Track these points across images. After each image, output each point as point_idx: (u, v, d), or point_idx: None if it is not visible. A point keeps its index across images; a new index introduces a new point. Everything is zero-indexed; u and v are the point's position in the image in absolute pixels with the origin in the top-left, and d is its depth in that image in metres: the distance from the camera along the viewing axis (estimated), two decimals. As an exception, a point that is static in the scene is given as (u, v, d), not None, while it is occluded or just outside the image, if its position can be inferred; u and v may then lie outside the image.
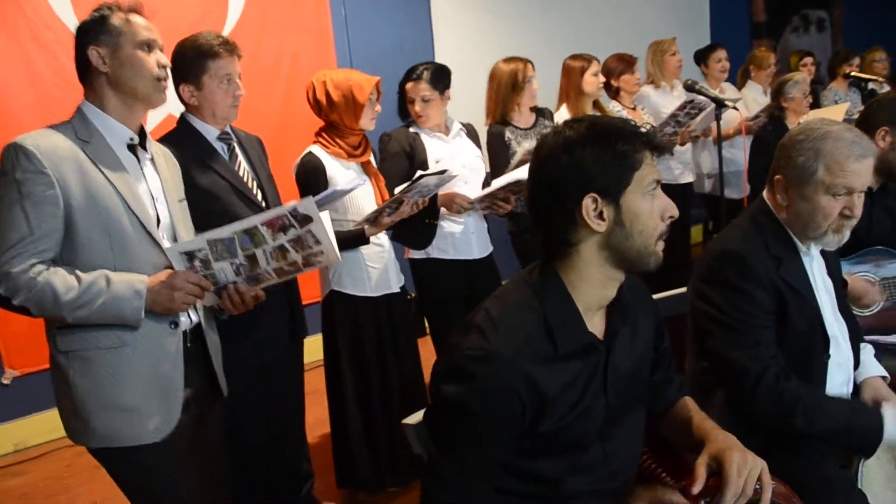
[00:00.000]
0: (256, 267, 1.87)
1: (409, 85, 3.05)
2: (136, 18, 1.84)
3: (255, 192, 2.35)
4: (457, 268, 3.16)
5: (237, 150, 2.38)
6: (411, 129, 3.11)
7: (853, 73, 5.14)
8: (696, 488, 1.35)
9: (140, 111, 1.89)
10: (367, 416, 2.80)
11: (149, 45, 1.83)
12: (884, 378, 2.02)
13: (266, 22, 4.25)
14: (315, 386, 2.77)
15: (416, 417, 1.55)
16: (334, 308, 2.79)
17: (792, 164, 1.82)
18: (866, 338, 2.26)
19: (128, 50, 1.80)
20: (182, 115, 2.36)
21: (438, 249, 3.14)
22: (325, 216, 1.85)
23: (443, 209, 3.07)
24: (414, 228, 3.06)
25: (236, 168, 2.34)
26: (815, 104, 5.46)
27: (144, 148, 1.91)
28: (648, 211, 1.34)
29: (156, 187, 1.91)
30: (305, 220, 1.82)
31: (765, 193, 1.94)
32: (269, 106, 4.22)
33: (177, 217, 1.95)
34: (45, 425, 3.66)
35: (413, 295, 3.21)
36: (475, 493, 1.35)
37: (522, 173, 2.92)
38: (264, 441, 2.51)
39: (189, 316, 1.91)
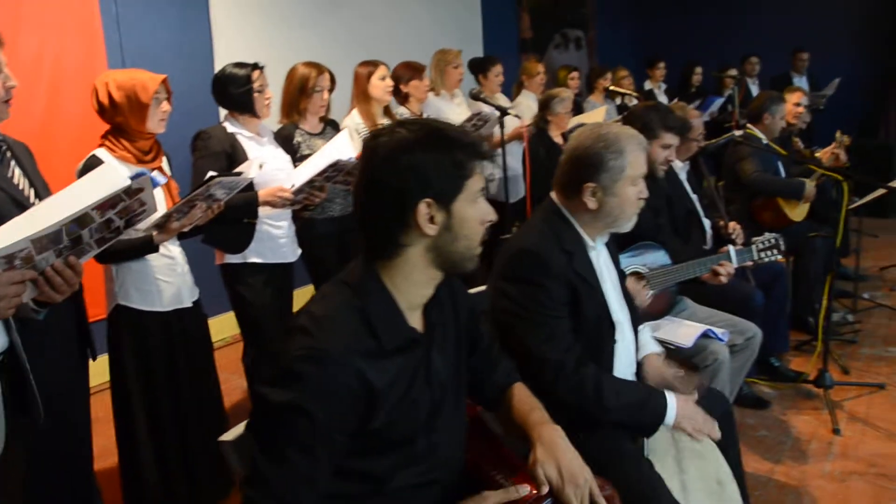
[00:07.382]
0: (80, 244, 1.68)
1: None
2: None
3: (32, 201, 2.07)
4: (274, 272, 3.12)
5: (9, 156, 2.11)
6: (229, 129, 3.01)
7: (612, 88, 5.71)
8: (545, 489, 1.41)
9: None
10: (159, 440, 2.60)
11: None
12: (658, 354, 2.26)
13: (20, 19, 3.79)
14: (96, 413, 2.50)
15: (233, 433, 1.48)
16: (121, 325, 2.55)
17: (603, 168, 1.98)
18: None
19: None
20: None
21: (256, 253, 3.06)
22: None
23: (265, 208, 2.97)
24: (231, 229, 2.95)
25: (10, 175, 2.07)
26: (579, 112, 6.03)
27: None
28: (473, 217, 1.40)
29: None
30: (136, 192, 1.71)
31: (553, 196, 2.10)
32: (28, 111, 3.77)
33: None
34: None
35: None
36: (305, 501, 1.30)
37: (334, 155, 2.89)
38: (53, 477, 2.21)
39: None
